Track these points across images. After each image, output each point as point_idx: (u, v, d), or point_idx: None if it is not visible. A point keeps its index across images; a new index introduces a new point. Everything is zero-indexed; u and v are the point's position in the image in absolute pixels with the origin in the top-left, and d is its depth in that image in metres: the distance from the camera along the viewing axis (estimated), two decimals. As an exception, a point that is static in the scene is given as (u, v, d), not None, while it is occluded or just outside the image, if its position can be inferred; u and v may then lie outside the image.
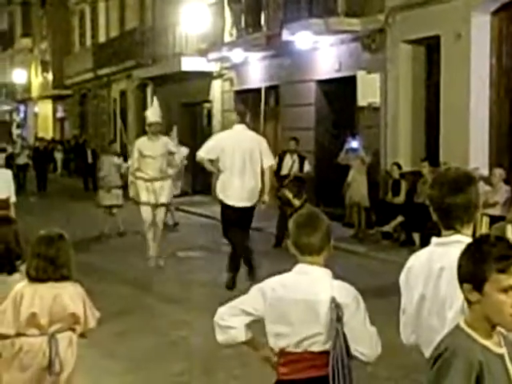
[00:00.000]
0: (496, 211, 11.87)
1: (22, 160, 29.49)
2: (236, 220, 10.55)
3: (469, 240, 3.22)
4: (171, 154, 13.12)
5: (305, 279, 3.86)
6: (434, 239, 3.56)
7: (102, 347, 8.06)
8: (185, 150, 17.22)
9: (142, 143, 12.86)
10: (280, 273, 4.02)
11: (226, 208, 10.67)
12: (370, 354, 3.87)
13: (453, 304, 3.34)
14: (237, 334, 3.97)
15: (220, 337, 4.03)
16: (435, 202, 3.53)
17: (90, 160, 28.86)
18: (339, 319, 3.73)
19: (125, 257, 13.80)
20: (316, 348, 3.81)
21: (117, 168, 16.16)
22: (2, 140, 34.66)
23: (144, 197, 12.69)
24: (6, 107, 54.28)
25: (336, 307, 3.74)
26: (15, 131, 46.78)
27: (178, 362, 7.80)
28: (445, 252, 3.41)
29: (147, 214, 12.70)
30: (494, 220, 11.27)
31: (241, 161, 10.48)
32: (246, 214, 10.66)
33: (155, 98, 13.73)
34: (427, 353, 3.36)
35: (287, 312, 3.82)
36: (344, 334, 3.74)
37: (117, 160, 16.55)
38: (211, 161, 10.64)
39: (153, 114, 12.98)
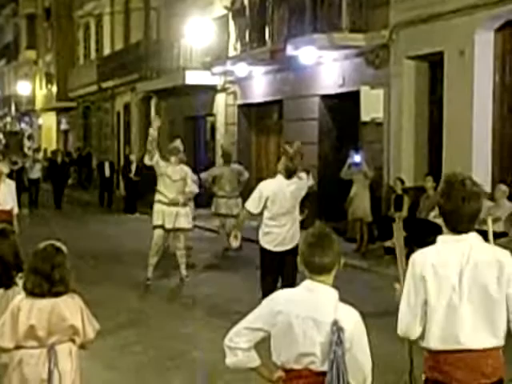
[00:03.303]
0: (499, 227, 11.86)
1: (35, 174, 26.86)
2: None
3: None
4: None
5: (311, 297, 3.85)
6: (447, 237, 3.94)
7: (104, 359, 8.07)
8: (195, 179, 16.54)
9: (164, 163, 12.45)
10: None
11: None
12: None
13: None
14: (248, 359, 3.97)
15: (228, 360, 4.00)
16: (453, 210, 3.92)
17: (107, 174, 27.24)
18: (339, 343, 3.71)
19: (128, 269, 13.81)
20: (314, 367, 3.80)
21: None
22: (13, 152, 32.82)
23: (160, 220, 12.44)
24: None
25: (337, 330, 3.72)
26: (26, 143, 44.91)
27: (179, 376, 7.79)
28: (468, 246, 3.87)
29: (159, 238, 12.51)
30: (495, 236, 11.27)
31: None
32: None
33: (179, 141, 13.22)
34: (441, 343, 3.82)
35: (290, 326, 3.82)
36: (343, 358, 3.71)
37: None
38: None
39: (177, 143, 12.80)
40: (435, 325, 3.84)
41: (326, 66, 18.07)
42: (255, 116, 22.68)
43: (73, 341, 4.82)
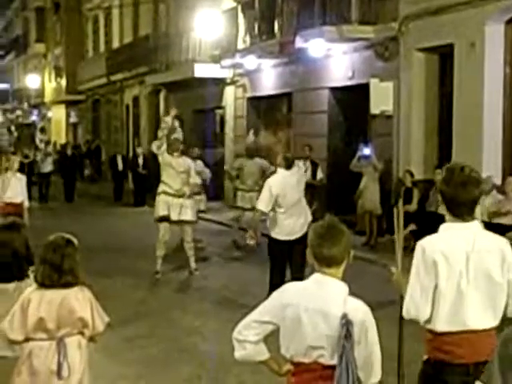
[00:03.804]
0: (509, 220, 11.82)
1: (46, 168, 26.21)
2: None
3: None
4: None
5: (320, 290, 3.83)
6: (452, 225, 4.12)
7: (113, 352, 8.09)
8: (207, 172, 16.52)
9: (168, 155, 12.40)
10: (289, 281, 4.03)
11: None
12: (364, 378, 3.84)
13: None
14: (257, 352, 3.95)
15: (237, 353, 3.98)
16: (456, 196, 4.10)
17: (120, 167, 26.60)
18: (348, 336, 3.69)
19: (137, 262, 13.83)
20: (324, 360, 3.79)
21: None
22: (25, 145, 32.13)
23: (165, 211, 12.34)
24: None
25: (346, 324, 3.70)
26: (38, 136, 43.89)
27: (188, 368, 7.80)
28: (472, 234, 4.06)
29: (166, 231, 12.46)
30: (506, 229, 11.23)
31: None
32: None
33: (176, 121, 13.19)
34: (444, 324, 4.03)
35: (299, 319, 3.80)
36: (352, 352, 3.70)
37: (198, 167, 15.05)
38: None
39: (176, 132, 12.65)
40: (443, 308, 4.04)
41: (335, 58, 18.02)
42: (264, 109, 22.64)
43: (82, 333, 4.83)
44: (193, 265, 12.71)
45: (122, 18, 34.99)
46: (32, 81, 50.19)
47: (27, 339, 4.74)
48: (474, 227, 4.13)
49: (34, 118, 53.10)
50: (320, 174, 15.72)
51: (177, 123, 12.83)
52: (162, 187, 12.42)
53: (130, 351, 8.40)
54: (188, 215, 12.43)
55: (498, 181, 13.16)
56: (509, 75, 13.69)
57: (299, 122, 19.80)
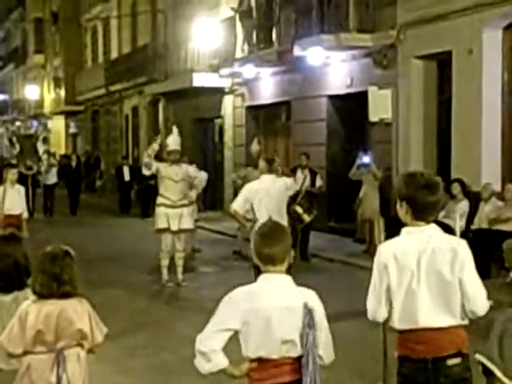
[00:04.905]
0: (509, 227, 11.80)
1: (50, 180, 25.29)
2: None
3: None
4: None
5: (273, 287, 4.00)
6: (410, 229, 4.24)
7: (113, 363, 8.07)
8: (204, 175, 16.58)
9: (164, 167, 12.57)
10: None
11: None
12: (326, 358, 4.12)
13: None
14: (220, 360, 4.01)
15: (206, 366, 4.04)
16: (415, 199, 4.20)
17: (126, 178, 25.71)
18: (311, 324, 3.91)
19: (139, 271, 13.82)
20: (293, 354, 3.96)
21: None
22: (27, 156, 31.07)
23: (164, 223, 12.44)
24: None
25: (309, 312, 3.93)
26: (41, 147, 42.82)
27: (188, 378, 7.77)
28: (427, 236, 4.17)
29: (169, 242, 12.53)
30: (506, 236, 11.22)
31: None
32: None
33: (174, 127, 13.32)
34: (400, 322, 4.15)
35: (266, 320, 3.92)
36: (315, 338, 3.92)
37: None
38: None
39: (174, 141, 12.72)
40: (397, 307, 4.19)
41: (333, 66, 18.04)
42: (263, 117, 22.66)
43: (81, 345, 4.81)
44: (180, 276, 12.72)
45: (120, 28, 35.06)
46: (31, 92, 50.25)
47: (26, 352, 4.71)
48: (431, 230, 4.23)
49: (34, 128, 53.00)
50: (319, 182, 15.71)
51: (176, 132, 12.88)
52: (160, 199, 12.53)
53: (130, 361, 8.38)
54: (186, 224, 12.55)
55: (497, 188, 13.15)
56: (507, 81, 13.70)
57: (298, 130, 19.81)
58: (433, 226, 4.24)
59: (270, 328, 3.92)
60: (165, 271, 12.61)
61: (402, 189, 4.25)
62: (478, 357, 3.78)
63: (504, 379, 3.57)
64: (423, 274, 4.14)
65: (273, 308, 3.92)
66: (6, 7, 58.44)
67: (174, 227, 12.38)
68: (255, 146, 13.73)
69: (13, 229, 5.88)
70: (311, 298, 4.04)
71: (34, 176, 24.54)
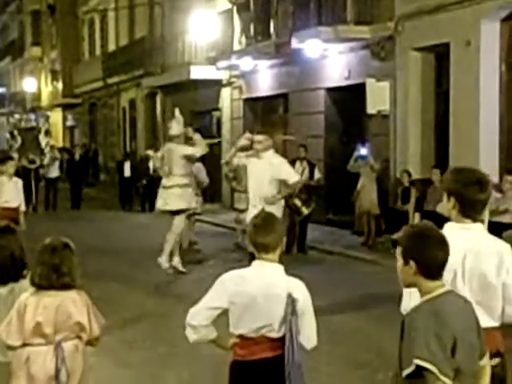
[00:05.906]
0: (507, 219, 11.81)
1: (53, 173, 24.53)
2: None
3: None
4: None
5: (263, 274, 4.34)
6: (455, 225, 4.14)
7: (113, 355, 8.08)
8: (205, 177, 16.42)
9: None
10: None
11: None
12: (309, 344, 4.42)
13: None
14: (208, 333, 4.45)
15: (193, 336, 4.45)
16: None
17: (127, 174, 24.96)
18: (294, 312, 4.24)
19: (138, 264, 13.83)
20: (272, 334, 4.29)
21: None
22: (29, 150, 30.20)
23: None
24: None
25: (292, 302, 4.23)
26: (43, 139, 41.92)
27: (186, 371, 7.79)
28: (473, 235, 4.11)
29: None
30: (504, 227, 11.22)
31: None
32: None
33: (177, 110, 13.37)
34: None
35: (248, 303, 4.28)
36: (296, 325, 4.25)
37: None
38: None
39: (177, 125, 12.84)
40: None
41: (331, 58, 18.02)
42: (261, 110, 22.65)
43: (80, 338, 4.82)
44: (163, 261, 12.77)
45: (117, 20, 35.01)
46: (28, 84, 50.12)
47: (24, 344, 4.72)
48: (477, 228, 4.16)
49: (32, 121, 52.83)
50: (317, 175, 15.71)
51: (179, 117, 13.14)
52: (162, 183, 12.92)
53: (129, 354, 8.38)
54: (174, 205, 12.69)
55: (495, 179, 13.16)
56: (505, 73, 13.69)
57: (296, 122, 19.80)
58: (479, 225, 4.18)
59: (251, 310, 4.27)
60: (168, 258, 12.94)
61: (451, 183, 4.18)
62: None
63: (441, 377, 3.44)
64: (467, 274, 4.06)
65: (257, 293, 4.26)
66: (2, 0, 58.31)
67: (163, 206, 12.88)
68: (243, 141, 13.53)
69: (8, 221, 5.86)
70: (298, 287, 4.33)
71: (37, 170, 24.05)
